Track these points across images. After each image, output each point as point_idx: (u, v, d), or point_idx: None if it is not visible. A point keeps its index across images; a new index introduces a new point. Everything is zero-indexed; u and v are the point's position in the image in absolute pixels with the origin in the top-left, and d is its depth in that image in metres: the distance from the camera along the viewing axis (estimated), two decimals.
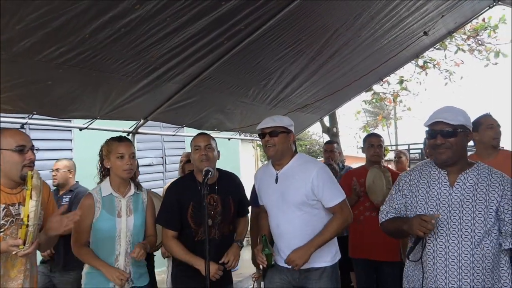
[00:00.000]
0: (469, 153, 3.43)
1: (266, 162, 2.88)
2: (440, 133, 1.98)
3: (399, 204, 2.18)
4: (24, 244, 1.79)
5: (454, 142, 1.97)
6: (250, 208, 3.07)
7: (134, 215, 2.57)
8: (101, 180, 2.62)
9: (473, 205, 1.95)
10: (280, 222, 2.60)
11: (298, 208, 2.54)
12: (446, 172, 2.05)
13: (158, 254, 4.04)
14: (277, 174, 2.64)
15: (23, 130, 5.37)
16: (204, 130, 4.93)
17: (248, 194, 3.07)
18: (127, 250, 2.51)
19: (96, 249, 2.51)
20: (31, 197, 1.76)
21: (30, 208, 1.74)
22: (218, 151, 2.73)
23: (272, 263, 2.60)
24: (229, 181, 2.78)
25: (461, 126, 1.98)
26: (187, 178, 2.80)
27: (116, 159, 2.52)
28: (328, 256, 2.60)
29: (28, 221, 1.74)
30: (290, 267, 2.51)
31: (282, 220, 2.59)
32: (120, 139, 2.60)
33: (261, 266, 2.67)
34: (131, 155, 2.55)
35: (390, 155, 10.52)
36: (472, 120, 2.13)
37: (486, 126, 3.00)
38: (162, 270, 5.35)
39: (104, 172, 2.62)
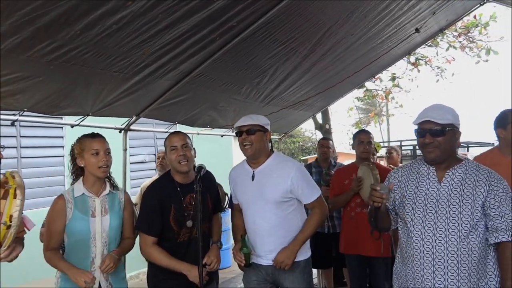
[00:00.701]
0: (489, 148, 3.42)
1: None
2: (429, 132, 2.02)
3: (392, 199, 2.23)
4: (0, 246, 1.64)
5: (443, 141, 2.01)
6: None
7: (110, 214, 2.45)
8: (74, 181, 2.49)
9: (460, 200, 1.99)
10: (256, 219, 2.64)
11: (274, 205, 2.59)
12: (434, 169, 2.10)
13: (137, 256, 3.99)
14: (253, 172, 2.67)
15: (14, 127, 5.35)
16: (196, 127, 4.96)
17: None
18: (104, 252, 2.40)
19: (71, 252, 2.41)
20: (15, 197, 1.63)
21: (14, 207, 1.62)
22: (194, 149, 2.65)
23: (250, 262, 2.64)
24: (206, 178, 2.63)
25: (450, 125, 2.01)
26: (164, 179, 2.68)
27: (91, 156, 2.39)
28: (300, 251, 2.63)
29: (10, 222, 1.60)
30: (269, 264, 2.60)
31: (258, 217, 2.62)
32: (93, 135, 2.47)
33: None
34: (106, 151, 2.43)
35: (382, 151, 10.59)
36: (497, 115, 2.28)
37: None
38: (144, 271, 5.32)
39: (77, 172, 2.49)
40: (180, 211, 2.54)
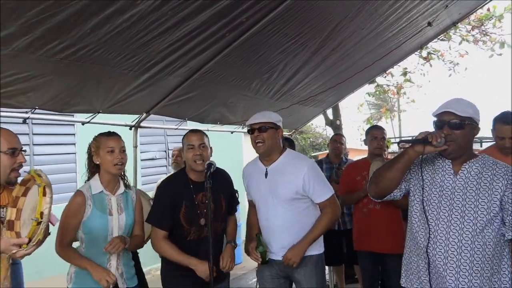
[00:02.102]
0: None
1: (253, 158, 2.90)
2: (448, 123, 1.95)
3: (402, 190, 2.15)
4: (28, 243, 1.70)
5: (460, 135, 1.94)
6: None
7: (125, 213, 2.50)
8: (89, 178, 2.52)
9: (477, 193, 1.94)
10: (269, 216, 2.66)
11: (287, 202, 2.61)
12: (450, 161, 2.04)
13: (149, 251, 4.02)
14: (266, 169, 2.68)
15: (26, 125, 5.41)
16: (206, 124, 4.96)
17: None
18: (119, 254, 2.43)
19: (88, 249, 2.43)
20: (44, 194, 1.67)
21: (45, 205, 1.66)
22: (211, 147, 2.65)
23: (267, 259, 2.64)
24: (220, 178, 2.66)
25: (469, 119, 1.95)
26: (179, 176, 2.70)
27: (106, 153, 2.42)
28: (313, 246, 2.66)
29: (41, 218, 1.65)
30: (280, 259, 2.62)
31: (272, 214, 2.64)
32: (108, 134, 2.51)
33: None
34: (121, 149, 2.46)
35: (394, 147, 10.49)
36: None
37: None
38: (156, 267, 5.35)
39: (93, 170, 2.52)
40: (192, 209, 2.55)
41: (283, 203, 2.61)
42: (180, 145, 2.85)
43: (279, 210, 2.62)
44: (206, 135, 2.66)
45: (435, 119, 2.02)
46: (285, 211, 2.61)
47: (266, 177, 2.67)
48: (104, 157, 2.43)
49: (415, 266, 2.09)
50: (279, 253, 2.64)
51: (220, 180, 2.62)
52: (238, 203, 2.97)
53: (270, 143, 2.62)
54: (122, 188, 2.53)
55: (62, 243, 2.39)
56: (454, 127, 1.94)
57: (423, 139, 1.92)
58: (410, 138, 2.03)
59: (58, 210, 2.55)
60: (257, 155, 2.78)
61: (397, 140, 11.26)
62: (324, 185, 2.67)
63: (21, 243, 1.70)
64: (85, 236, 2.42)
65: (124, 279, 2.47)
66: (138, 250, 4.05)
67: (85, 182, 2.52)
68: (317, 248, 2.72)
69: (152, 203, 2.83)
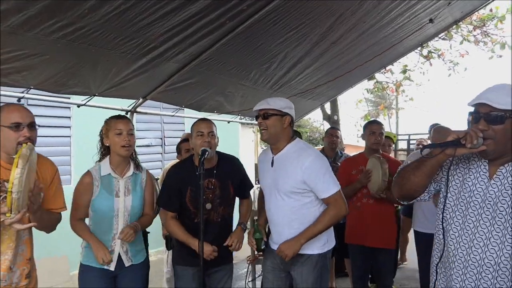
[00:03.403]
0: None
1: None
2: (484, 117, 1.63)
3: (431, 192, 1.87)
4: (10, 212, 1.80)
5: (500, 131, 1.61)
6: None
7: (132, 195, 2.62)
8: (101, 159, 2.66)
9: (509, 204, 1.63)
10: (271, 207, 2.63)
11: (286, 195, 2.51)
12: (487, 162, 1.72)
13: (155, 234, 4.04)
14: (273, 157, 2.61)
15: (21, 104, 5.35)
16: (203, 112, 4.93)
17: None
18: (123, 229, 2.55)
19: (95, 226, 2.60)
20: (17, 165, 1.76)
21: (15, 175, 1.74)
22: (218, 137, 2.75)
23: (262, 247, 2.70)
24: (228, 164, 2.80)
25: (510, 111, 1.60)
26: (186, 162, 2.85)
27: (115, 135, 2.55)
28: (315, 245, 2.55)
29: (12, 188, 1.73)
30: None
31: (273, 205, 2.61)
32: (118, 116, 2.67)
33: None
34: (129, 131, 2.58)
35: (402, 144, 10.43)
36: None
37: None
38: (160, 250, 5.37)
39: (104, 152, 2.66)
40: (197, 193, 2.57)
41: (284, 196, 2.52)
42: (178, 133, 2.95)
43: (280, 203, 2.55)
44: (215, 125, 2.76)
45: (472, 109, 1.71)
46: (285, 204, 2.53)
47: (272, 166, 2.61)
48: (113, 139, 2.56)
49: (444, 274, 1.81)
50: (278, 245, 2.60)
51: (228, 167, 2.77)
52: (251, 187, 3.03)
53: (273, 131, 2.53)
54: (131, 171, 2.65)
55: (74, 217, 2.58)
56: (492, 122, 1.62)
57: (454, 142, 1.62)
58: (436, 144, 1.71)
59: None
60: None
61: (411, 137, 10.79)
62: (329, 180, 2.49)
63: (3, 212, 1.82)
64: (93, 214, 2.59)
65: (129, 256, 2.62)
66: None
67: (96, 163, 2.66)
68: (319, 247, 2.57)
69: (157, 185, 3.04)
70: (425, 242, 3.45)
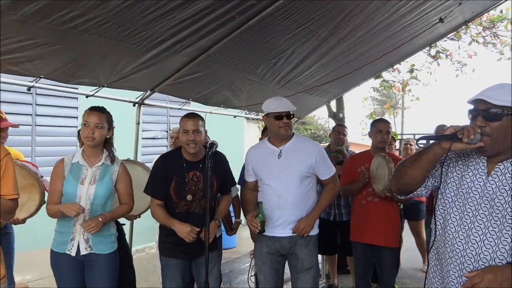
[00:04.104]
0: None
1: (261, 141, 3.24)
2: (482, 114, 1.63)
3: (428, 187, 1.88)
4: None
5: (497, 128, 1.61)
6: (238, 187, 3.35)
7: (98, 184, 2.68)
8: (81, 147, 2.79)
9: (506, 201, 1.63)
10: (281, 193, 2.89)
11: (300, 180, 2.90)
12: (485, 159, 1.72)
13: (152, 228, 4.08)
14: (280, 150, 2.95)
15: (30, 95, 5.41)
16: (210, 106, 4.95)
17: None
18: (85, 218, 2.63)
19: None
20: None
21: None
22: (206, 130, 2.89)
23: (264, 229, 2.84)
24: (214, 159, 2.77)
25: (509, 108, 1.60)
26: (174, 153, 2.95)
27: (83, 126, 2.67)
28: (314, 226, 2.97)
29: None
30: (287, 235, 2.89)
31: (284, 191, 2.89)
32: (92, 108, 2.73)
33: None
34: (96, 124, 2.65)
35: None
36: None
37: None
38: (151, 245, 5.40)
39: (82, 140, 2.76)
40: (182, 185, 2.80)
41: (296, 180, 2.89)
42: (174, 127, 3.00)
43: (292, 187, 2.88)
44: (202, 119, 2.86)
45: (472, 107, 1.70)
46: (296, 188, 2.89)
47: (279, 158, 2.93)
48: (82, 130, 2.69)
49: (438, 275, 1.83)
50: (285, 230, 2.90)
51: (214, 161, 2.74)
52: (234, 184, 3.14)
53: (291, 128, 2.97)
54: (101, 161, 2.73)
55: (48, 203, 2.68)
56: (490, 119, 1.62)
57: (451, 135, 1.62)
58: (432, 135, 1.81)
59: None
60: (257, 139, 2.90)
61: (399, 137, 11.11)
62: (329, 164, 3.05)
63: None
64: (62, 198, 2.67)
65: (89, 244, 2.66)
66: (133, 230, 4.13)
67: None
68: (316, 228, 3.00)
69: (149, 170, 3.20)
70: None
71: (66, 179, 2.66)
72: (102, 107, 2.76)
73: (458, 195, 1.75)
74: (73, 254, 2.63)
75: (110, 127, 2.75)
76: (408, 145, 5.71)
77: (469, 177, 1.74)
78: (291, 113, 2.93)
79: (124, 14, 2.64)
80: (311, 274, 2.95)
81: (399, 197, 1.99)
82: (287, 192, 2.88)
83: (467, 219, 1.70)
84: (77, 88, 4.10)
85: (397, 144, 7.93)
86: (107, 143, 2.78)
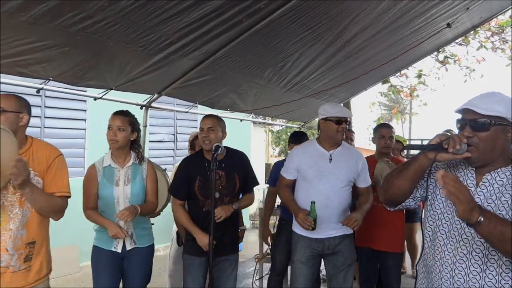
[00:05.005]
0: None
1: (306, 142, 3.54)
2: (469, 123, 1.59)
3: (416, 198, 1.84)
4: None
5: (484, 138, 1.57)
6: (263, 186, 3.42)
7: (132, 184, 2.83)
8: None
9: (494, 211, 1.57)
10: (330, 194, 3.01)
11: (346, 183, 3.06)
12: (474, 170, 1.67)
13: (166, 229, 4.09)
14: (330, 154, 3.08)
15: (39, 97, 5.47)
16: (217, 109, 4.96)
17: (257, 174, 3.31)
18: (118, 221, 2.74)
19: (102, 213, 2.83)
20: None
21: None
22: (224, 131, 3.01)
23: (316, 227, 2.90)
24: (236, 158, 3.06)
25: (497, 118, 1.55)
26: (196, 155, 3.13)
27: (108, 130, 2.81)
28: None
29: None
30: (332, 235, 3.03)
31: (333, 193, 3.01)
32: (116, 112, 2.86)
33: (265, 247, 2.99)
34: (118, 127, 2.79)
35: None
36: None
37: None
38: (169, 245, 5.39)
39: None
40: (206, 184, 2.91)
41: (343, 184, 3.04)
42: (191, 130, 3.12)
43: (340, 190, 3.03)
44: (221, 120, 3.02)
45: (459, 116, 1.66)
46: (342, 191, 3.04)
47: (330, 161, 3.06)
48: (107, 134, 2.82)
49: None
50: (331, 231, 3.03)
51: (236, 161, 3.02)
52: (256, 184, 3.22)
53: None
54: (131, 161, 2.87)
55: (86, 207, 2.81)
56: (477, 129, 1.58)
57: (436, 145, 1.58)
58: (419, 144, 1.73)
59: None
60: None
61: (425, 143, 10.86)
62: (368, 175, 3.20)
63: None
64: (99, 202, 2.83)
65: (134, 239, 2.83)
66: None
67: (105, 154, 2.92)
68: (351, 229, 3.09)
69: (164, 174, 3.51)
70: None
71: (100, 183, 2.78)
72: (126, 110, 2.91)
73: (447, 207, 1.70)
74: (119, 250, 2.79)
75: (134, 129, 2.88)
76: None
77: None
78: (348, 120, 3.10)
79: (132, 16, 2.65)
80: (352, 270, 3.12)
81: (388, 208, 1.93)
82: (336, 194, 3.01)
83: (455, 232, 1.65)
84: (85, 91, 4.13)
85: None
86: (134, 144, 2.92)
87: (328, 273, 3.17)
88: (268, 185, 4.28)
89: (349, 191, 3.10)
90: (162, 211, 3.53)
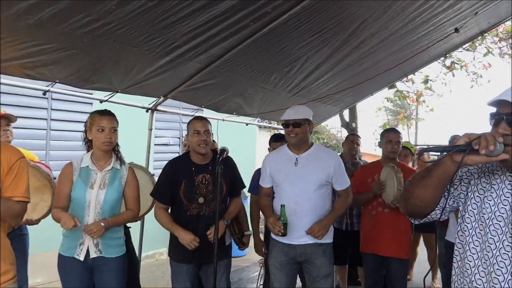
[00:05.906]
0: None
1: (280, 147, 3.25)
2: (506, 118, 1.31)
3: (446, 210, 1.56)
4: None
5: None
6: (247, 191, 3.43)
7: (108, 188, 2.65)
8: (88, 151, 2.75)
9: None
10: (299, 200, 2.89)
11: (318, 187, 2.92)
12: (511, 175, 1.40)
13: (154, 237, 4.06)
14: (296, 158, 2.96)
15: (45, 99, 5.47)
16: (222, 113, 4.96)
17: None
18: (95, 221, 2.59)
19: (72, 213, 2.60)
20: None
21: None
22: (212, 134, 2.94)
23: (286, 232, 2.83)
24: (224, 163, 2.84)
25: None
26: (182, 158, 3.01)
27: (97, 132, 2.62)
28: (330, 234, 2.98)
29: None
30: (304, 243, 2.90)
31: (302, 198, 2.89)
32: (102, 112, 2.68)
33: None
34: (112, 129, 2.64)
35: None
36: None
37: None
38: (161, 251, 5.39)
39: (89, 144, 2.75)
40: (191, 188, 2.83)
41: (315, 188, 2.91)
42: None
43: (310, 194, 2.90)
44: (210, 122, 2.93)
45: (493, 110, 1.38)
46: (314, 195, 2.91)
47: (296, 165, 2.94)
48: (95, 135, 2.64)
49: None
50: (302, 238, 2.90)
51: (223, 166, 2.80)
52: (243, 187, 3.18)
53: (303, 136, 2.94)
54: (111, 165, 2.70)
55: (55, 208, 2.63)
56: None
57: (464, 146, 1.28)
58: (442, 145, 1.41)
59: None
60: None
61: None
62: (346, 176, 3.06)
63: None
64: (71, 203, 2.66)
65: (99, 248, 2.64)
66: (143, 235, 4.12)
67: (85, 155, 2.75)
68: (330, 237, 3.01)
69: (153, 179, 3.31)
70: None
71: (75, 184, 2.63)
72: (109, 110, 2.74)
73: (479, 221, 1.43)
74: (82, 258, 2.60)
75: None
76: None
77: (493, 198, 1.41)
78: (303, 121, 2.92)
79: (138, 19, 2.66)
80: (328, 282, 2.97)
81: (413, 221, 1.64)
82: (306, 199, 2.90)
83: (488, 252, 1.38)
84: (91, 93, 4.14)
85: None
86: (115, 146, 2.77)
87: (307, 280, 3.08)
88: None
89: (326, 195, 2.98)
90: (145, 215, 3.48)
